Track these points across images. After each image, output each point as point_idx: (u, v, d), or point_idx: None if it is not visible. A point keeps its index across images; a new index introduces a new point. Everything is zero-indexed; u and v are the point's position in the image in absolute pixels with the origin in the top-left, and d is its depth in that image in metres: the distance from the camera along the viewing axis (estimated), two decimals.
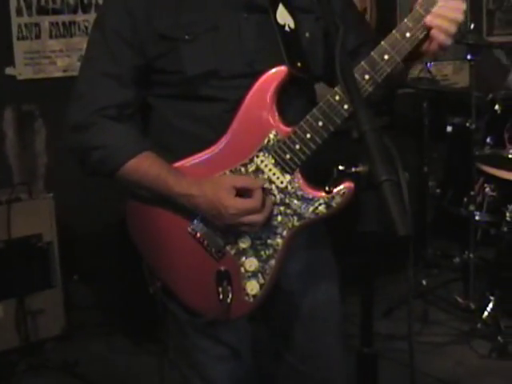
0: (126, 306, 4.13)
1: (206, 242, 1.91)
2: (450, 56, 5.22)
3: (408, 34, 1.75)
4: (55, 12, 4.28)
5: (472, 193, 4.14)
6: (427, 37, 1.78)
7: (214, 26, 1.86)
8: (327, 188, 1.76)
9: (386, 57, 1.76)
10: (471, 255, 4.22)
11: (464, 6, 1.77)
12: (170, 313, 2.06)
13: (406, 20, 1.77)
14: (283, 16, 1.87)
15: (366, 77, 1.77)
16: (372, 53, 1.77)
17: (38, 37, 4.26)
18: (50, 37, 4.29)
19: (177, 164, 1.91)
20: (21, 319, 3.82)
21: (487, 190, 4.25)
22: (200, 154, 1.89)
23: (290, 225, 1.87)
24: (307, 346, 2.11)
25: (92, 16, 4.30)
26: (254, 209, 1.81)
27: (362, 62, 1.77)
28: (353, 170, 1.43)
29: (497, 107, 4.04)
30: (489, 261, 4.31)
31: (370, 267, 1.53)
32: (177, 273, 1.97)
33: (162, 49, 1.87)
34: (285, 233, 1.88)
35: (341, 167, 1.46)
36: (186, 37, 1.84)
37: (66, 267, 4.11)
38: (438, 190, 4.55)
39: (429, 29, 1.75)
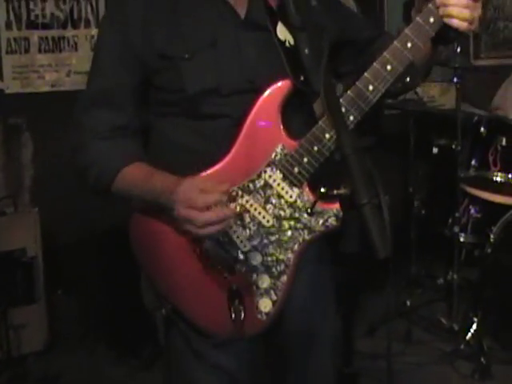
0: (110, 320, 4.12)
1: (216, 261, 1.87)
2: (436, 77, 5.25)
3: (409, 44, 1.78)
4: (45, 27, 4.29)
5: (456, 214, 4.17)
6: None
7: (213, 42, 1.86)
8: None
9: (388, 67, 1.78)
10: (455, 276, 4.24)
11: None
12: (175, 336, 1.99)
13: (406, 30, 1.79)
14: (283, 32, 1.88)
15: (370, 88, 1.78)
16: (374, 63, 1.79)
17: (26, 51, 4.27)
18: (39, 51, 4.30)
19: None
20: (3, 333, 3.80)
21: (472, 211, 4.30)
22: (206, 172, 1.86)
23: (300, 239, 1.86)
24: (305, 367, 2.10)
25: (81, 31, 4.33)
26: (193, 202, 1.73)
27: (365, 73, 1.79)
28: (335, 192, 1.44)
29: (482, 130, 4.06)
30: (472, 282, 4.33)
31: (350, 288, 1.54)
32: (187, 293, 1.92)
33: (162, 67, 1.86)
34: (296, 247, 1.86)
35: (323, 189, 1.47)
36: (186, 55, 1.84)
37: (50, 281, 4.10)
38: (422, 211, 4.58)
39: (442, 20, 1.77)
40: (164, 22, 1.85)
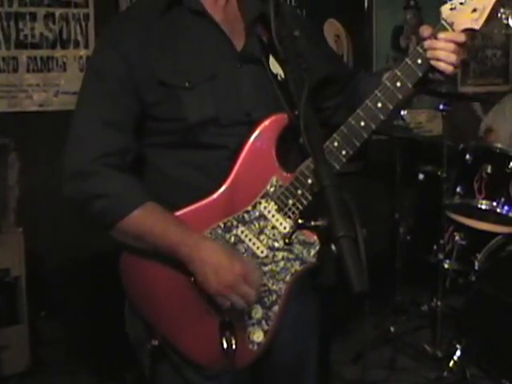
0: (92, 344, 4.10)
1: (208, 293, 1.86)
2: (424, 104, 5.28)
3: (398, 84, 1.84)
4: (33, 46, 4.28)
5: (441, 241, 4.18)
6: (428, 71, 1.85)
7: (213, 75, 1.88)
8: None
9: (379, 105, 1.84)
10: (439, 303, 4.24)
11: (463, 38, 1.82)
12: (164, 369, 1.98)
13: (395, 70, 1.85)
14: (275, 66, 1.92)
15: (362, 123, 1.84)
16: (367, 101, 1.85)
17: (15, 70, 4.26)
18: (28, 71, 4.29)
19: (179, 213, 1.87)
20: None
21: (457, 238, 4.31)
22: (202, 202, 1.87)
23: (292, 270, 1.89)
24: None
25: (70, 52, 4.33)
26: (247, 296, 1.80)
27: (358, 110, 1.84)
28: (312, 223, 1.45)
29: (467, 157, 4.08)
30: (456, 309, 4.33)
31: (327, 323, 1.54)
32: (178, 326, 1.91)
33: (160, 95, 1.87)
34: (288, 278, 1.89)
35: (300, 221, 1.47)
36: (187, 84, 1.85)
37: (34, 303, 4.08)
38: (408, 237, 4.58)
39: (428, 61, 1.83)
40: (164, 54, 1.87)
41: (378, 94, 1.84)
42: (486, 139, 4.67)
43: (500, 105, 4.95)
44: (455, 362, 3.95)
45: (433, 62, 1.82)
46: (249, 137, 1.87)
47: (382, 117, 1.85)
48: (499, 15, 5.87)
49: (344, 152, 1.85)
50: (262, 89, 1.92)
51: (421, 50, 1.84)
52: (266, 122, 1.87)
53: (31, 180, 4.27)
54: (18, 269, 3.92)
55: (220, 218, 1.88)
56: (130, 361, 2.22)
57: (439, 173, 4.16)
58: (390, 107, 1.85)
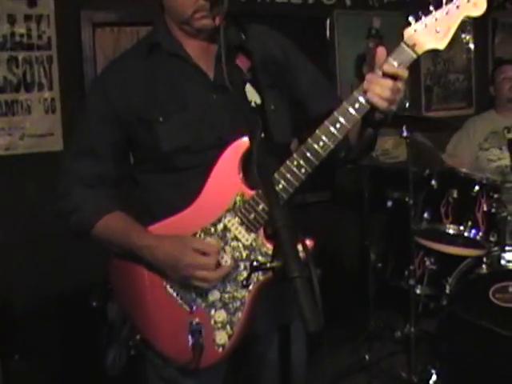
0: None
1: (179, 296, 2.10)
2: (390, 131, 5.33)
3: (357, 105, 1.90)
4: None
5: (411, 266, 4.21)
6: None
7: (185, 106, 2.09)
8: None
9: (337, 125, 1.92)
10: (412, 329, 4.25)
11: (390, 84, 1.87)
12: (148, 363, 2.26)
13: (334, 112, 1.93)
14: (250, 93, 2.03)
15: (321, 144, 1.92)
16: (326, 121, 1.93)
17: None
18: None
19: (153, 226, 2.13)
20: None
21: (427, 263, 4.35)
22: (174, 217, 2.11)
23: (255, 279, 2.01)
24: None
25: (35, 95, 4.33)
26: (207, 265, 2.00)
27: (317, 131, 1.93)
28: (268, 265, 1.47)
29: (433, 182, 4.12)
30: (430, 333, 4.35)
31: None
32: (153, 324, 2.16)
33: (139, 129, 2.12)
34: (251, 287, 2.02)
35: (255, 263, 1.51)
36: (160, 118, 2.08)
37: (7, 346, 4.04)
38: (379, 264, 4.61)
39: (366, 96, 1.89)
40: (142, 88, 2.11)
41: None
42: (450, 164, 4.72)
43: (463, 129, 5.02)
44: None
45: (368, 95, 1.87)
46: (218, 158, 2.05)
47: (340, 137, 1.92)
48: (460, 40, 5.99)
49: (303, 170, 1.95)
50: (234, 115, 2.05)
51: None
52: (232, 145, 2.04)
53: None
54: None
55: (190, 230, 2.09)
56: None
57: (406, 199, 4.19)
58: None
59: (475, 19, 1.95)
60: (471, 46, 6.24)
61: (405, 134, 4.21)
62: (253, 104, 1.98)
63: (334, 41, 5.49)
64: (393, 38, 5.72)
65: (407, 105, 4.20)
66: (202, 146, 2.09)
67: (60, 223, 2.23)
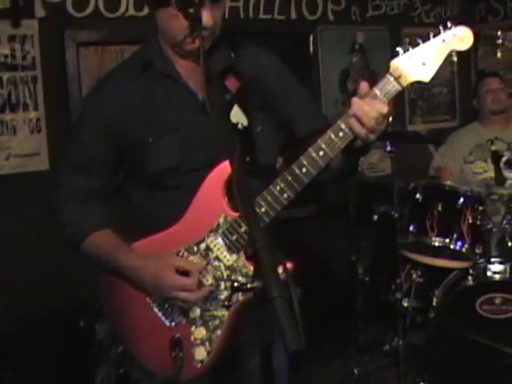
0: None
1: (162, 312, 2.15)
2: (375, 144, 5.34)
3: (341, 134, 1.93)
4: None
5: (398, 280, 4.22)
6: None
7: (176, 127, 2.13)
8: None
9: (321, 153, 1.94)
10: (400, 342, 4.26)
11: (378, 108, 1.89)
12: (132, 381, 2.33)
13: (318, 141, 1.96)
14: (237, 115, 2.02)
15: (304, 170, 1.96)
16: (309, 148, 1.97)
17: None
18: None
19: (137, 243, 2.20)
20: None
21: (414, 276, 4.35)
22: (159, 234, 2.16)
23: (235, 299, 2.04)
24: None
25: (20, 115, 4.34)
26: (188, 286, 2.05)
27: (301, 157, 1.97)
28: (248, 286, 1.48)
29: (418, 196, 4.14)
30: (418, 346, 4.35)
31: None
32: (137, 338, 2.23)
33: (129, 148, 2.17)
34: (225, 304, 2.06)
35: (236, 284, 1.52)
36: (150, 139, 2.13)
37: None
38: (366, 278, 4.62)
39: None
40: (134, 107, 2.16)
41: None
42: (438, 178, 4.73)
43: (447, 143, 5.04)
44: None
45: (350, 121, 1.90)
46: (204, 179, 2.09)
47: (323, 164, 1.96)
48: None
49: (286, 195, 1.99)
50: (222, 137, 2.01)
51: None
52: (218, 166, 2.07)
53: None
54: None
55: (173, 248, 2.13)
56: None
57: (392, 212, 4.21)
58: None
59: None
60: (454, 59, 6.27)
61: (388, 148, 4.24)
62: (239, 126, 1.98)
63: (318, 56, 5.54)
64: (376, 52, 5.79)
65: (390, 119, 4.21)
66: (190, 167, 2.13)
67: (48, 243, 2.29)
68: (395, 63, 1.92)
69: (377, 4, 5.84)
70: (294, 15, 5.44)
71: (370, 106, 1.88)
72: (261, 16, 5.28)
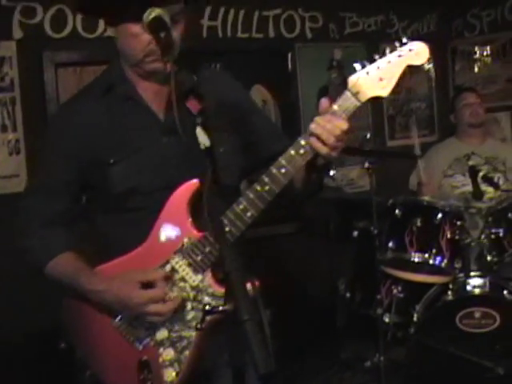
0: None
1: (128, 335, 2.13)
2: (354, 161, 5.38)
3: (301, 151, 1.94)
4: None
5: (378, 296, 4.23)
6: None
7: (137, 149, 2.13)
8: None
9: (282, 170, 1.95)
10: (381, 358, 4.27)
11: (337, 125, 1.90)
12: None
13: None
14: (200, 136, 1.97)
15: (266, 188, 1.97)
16: (271, 166, 1.97)
17: None
18: None
19: (102, 266, 2.17)
20: None
21: (394, 291, 4.37)
22: (123, 257, 2.14)
23: (207, 320, 1.99)
24: None
25: (7, 135, 4.35)
26: (156, 297, 2.03)
27: (263, 175, 1.98)
28: (220, 308, 1.49)
29: (397, 212, 4.16)
30: (399, 362, 4.37)
31: None
32: (104, 362, 2.19)
33: (91, 170, 2.16)
34: (198, 327, 2.01)
35: (208, 307, 1.53)
36: (111, 161, 2.12)
37: None
38: (347, 294, 4.63)
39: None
40: (97, 130, 2.15)
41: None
42: (419, 193, 4.75)
43: (426, 158, 5.07)
44: None
45: (313, 141, 1.92)
46: (167, 200, 2.09)
47: (285, 181, 1.97)
48: (421, 69, 6.07)
49: (249, 214, 1.99)
50: (184, 158, 2.09)
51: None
52: (181, 188, 2.08)
53: None
54: None
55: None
56: None
57: (371, 228, 4.23)
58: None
59: (435, 48, 2.00)
60: (432, 74, 6.34)
61: (367, 165, 4.26)
62: (202, 146, 1.94)
63: (297, 73, 5.56)
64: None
65: (368, 135, 4.25)
66: (152, 188, 2.12)
67: (25, 264, 2.27)
68: (353, 79, 1.92)
69: (354, 21, 5.90)
70: (272, 33, 5.48)
71: (330, 123, 1.89)
72: (239, 35, 5.30)
